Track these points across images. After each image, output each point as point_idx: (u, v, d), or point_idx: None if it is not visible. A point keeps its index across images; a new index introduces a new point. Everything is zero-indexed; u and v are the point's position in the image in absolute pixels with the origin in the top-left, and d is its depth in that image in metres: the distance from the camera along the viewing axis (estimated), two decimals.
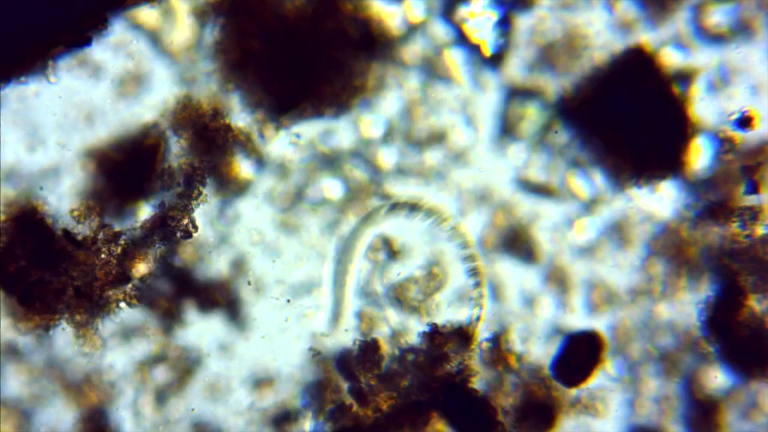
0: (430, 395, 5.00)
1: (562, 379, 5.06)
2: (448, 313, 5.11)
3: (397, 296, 5.10)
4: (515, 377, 5.06)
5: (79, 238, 4.94)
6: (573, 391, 5.08)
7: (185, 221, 5.01)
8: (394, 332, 5.10)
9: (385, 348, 5.07)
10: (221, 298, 5.09)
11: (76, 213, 4.95)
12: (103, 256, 4.95)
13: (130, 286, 4.99)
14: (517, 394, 5.05)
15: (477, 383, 5.05)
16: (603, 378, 5.10)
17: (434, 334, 5.02)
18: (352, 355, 5.06)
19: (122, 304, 4.99)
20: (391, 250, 5.10)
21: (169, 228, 5.00)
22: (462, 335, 5.03)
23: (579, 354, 5.07)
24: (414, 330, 5.08)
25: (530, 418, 5.04)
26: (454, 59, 5.11)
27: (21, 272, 4.91)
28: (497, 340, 5.08)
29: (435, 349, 5.01)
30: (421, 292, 5.10)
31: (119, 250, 4.97)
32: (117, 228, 4.98)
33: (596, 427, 5.10)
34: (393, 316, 5.10)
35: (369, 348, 5.05)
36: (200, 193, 4.99)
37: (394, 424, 5.02)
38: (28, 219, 4.96)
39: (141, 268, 4.99)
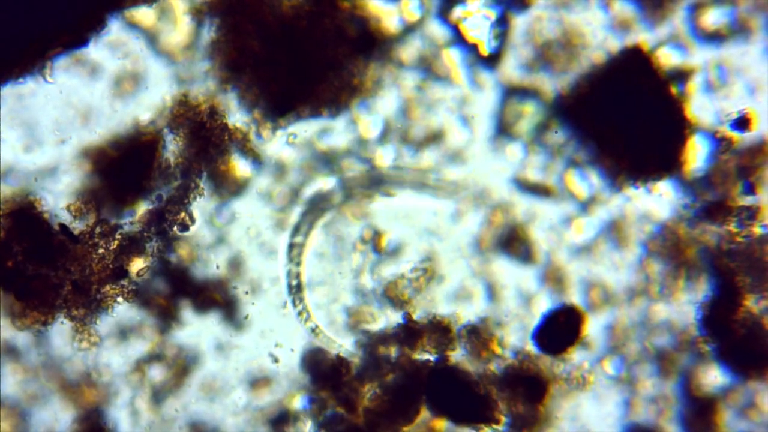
0: (416, 385, 5.00)
1: (544, 347, 5.06)
2: (440, 307, 5.11)
3: (388, 292, 5.10)
4: (500, 360, 5.06)
5: (76, 232, 4.93)
6: (561, 367, 5.07)
7: (182, 214, 5.01)
8: (383, 329, 5.10)
9: (354, 360, 5.09)
10: (219, 297, 5.09)
11: (72, 208, 4.95)
12: (100, 250, 4.95)
13: (127, 281, 4.99)
14: (504, 372, 5.05)
15: (463, 366, 5.04)
16: (585, 353, 5.11)
17: (408, 323, 5.02)
18: (324, 370, 5.08)
19: (119, 299, 4.99)
20: (378, 245, 5.10)
21: (166, 221, 5.00)
22: (438, 326, 5.04)
23: (559, 324, 5.07)
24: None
25: (520, 393, 5.04)
26: (452, 59, 5.10)
27: (18, 268, 4.90)
28: (477, 329, 5.07)
29: (409, 340, 5.02)
30: (411, 287, 5.10)
31: (116, 244, 4.97)
32: (113, 222, 4.98)
33: (587, 401, 5.11)
34: (380, 312, 5.10)
35: (338, 364, 5.07)
36: (197, 186, 5.00)
37: (387, 420, 5.02)
38: (25, 214, 4.96)
39: (138, 263, 4.99)
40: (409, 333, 5.05)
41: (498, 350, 5.07)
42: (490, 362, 5.07)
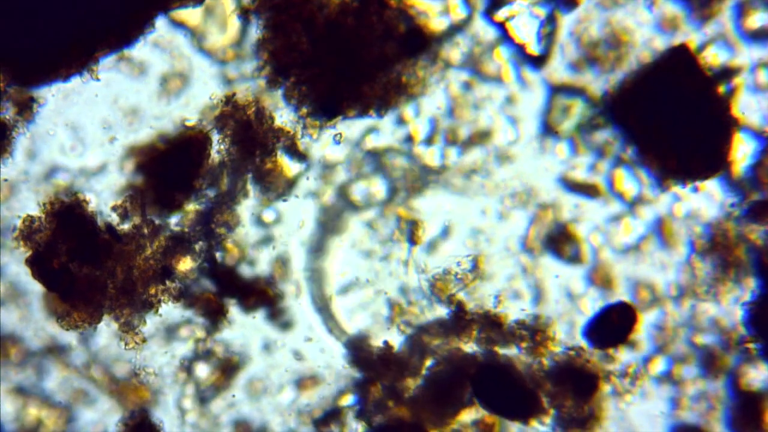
0: (463, 377, 5.01)
1: (594, 341, 5.06)
2: (487, 302, 5.11)
3: (437, 287, 5.09)
4: (550, 355, 5.07)
5: (122, 232, 4.93)
6: (612, 365, 5.08)
7: (228, 215, 5.00)
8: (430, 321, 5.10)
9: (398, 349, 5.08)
10: (271, 290, 5.09)
11: (118, 208, 4.95)
12: (146, 251, 4.95)
13: (173, 281, 4.99)
14: (553, 366, 5.05)
15: (510, 360, 5.05)
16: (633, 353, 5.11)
17: (459, 314, 5.02)
18: (374, 361, 5.08)
19: (165, 299, 4.99)
20: (415, 237, 5.09)
21: (213, 221, 5.00)
22: (491, 320, 5.05)
23: (612, 320, 5.07)
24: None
25: (569, 390, 5.04)
26: (499, 58, 5.09)
27: (64, 267, 4.88)
28: (528, 324, 5.08)
29: (459, 332, 5.02)
30: (461, 283, 5.09)
31: (162, 244, 4.97)
32: (159, 222, 4.98)
33: (635, 401, 5.11)
34: (425, 305, 5.10)
35: (386, 354, 5.08)
36: (243, 186, 4.98)
37: (430, 413, 5.02)
38: (71, 214, 4.95)
39: (185, 263, 4.98)
40: (459, 325, 5.04)
41: (550, 345, 5.06)
42: (540, 357, 5.06)
